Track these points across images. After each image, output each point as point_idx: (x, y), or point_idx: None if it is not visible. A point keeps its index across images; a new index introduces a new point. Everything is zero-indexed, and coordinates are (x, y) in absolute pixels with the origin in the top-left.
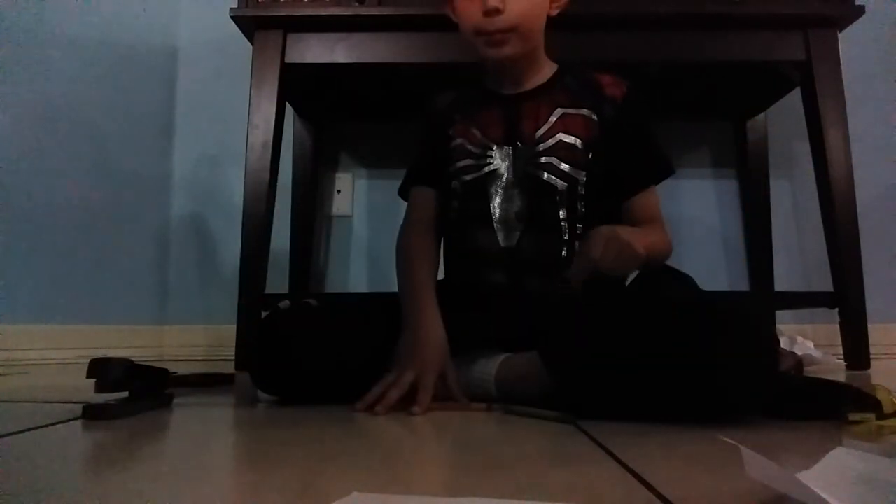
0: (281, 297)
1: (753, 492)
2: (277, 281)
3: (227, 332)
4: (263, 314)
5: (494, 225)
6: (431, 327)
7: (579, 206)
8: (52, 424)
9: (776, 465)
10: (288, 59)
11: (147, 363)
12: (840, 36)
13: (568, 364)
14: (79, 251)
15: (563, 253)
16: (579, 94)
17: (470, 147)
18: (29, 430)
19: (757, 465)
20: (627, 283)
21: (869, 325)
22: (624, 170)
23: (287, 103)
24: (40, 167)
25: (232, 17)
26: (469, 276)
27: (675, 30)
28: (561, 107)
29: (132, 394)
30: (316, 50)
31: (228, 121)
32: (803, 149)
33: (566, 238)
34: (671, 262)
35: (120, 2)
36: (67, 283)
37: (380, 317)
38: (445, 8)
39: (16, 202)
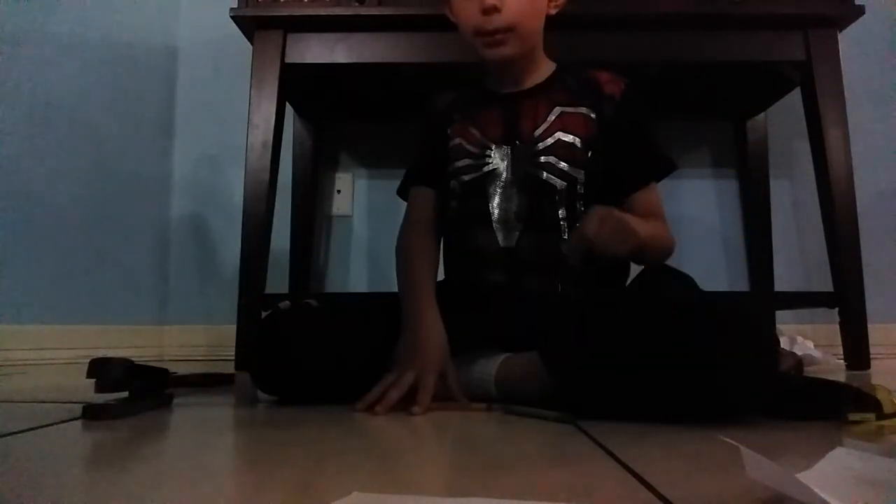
0: (281, 297)
1: (753, 492)
2: (277, 281)
3: (227, 332)
4: (263, 314)
5: (493, 225)
6: (431, 327)
7: (578, 206)
8: (52, 424)
9: (776, 465)
10: (288, 59)
11: (147, 363)
12: (840, 36)
13: (568, 364)
14: (79, 251)
15: (563, 252)
16: (578, 93)
17: (469, 147)
18: (29, 430)
19: (757, 465)
20: (627, 283)
21: (869, 325)
22: (624, 167)
23: (287, 103)
24: (40, 167)
25: (232, 17)
26: (468, 276)
27: (675, 30)
28: (559, 105)
29: (132, 394)
30: (316, 50)
31: (228, 121)
32: (803, 149)
33: (565, 237)
34: (671, 262)
35: (120, 2)
36: (67, 283)
37: (380, 317)
38: (444, 8)
39: (16, 202)
